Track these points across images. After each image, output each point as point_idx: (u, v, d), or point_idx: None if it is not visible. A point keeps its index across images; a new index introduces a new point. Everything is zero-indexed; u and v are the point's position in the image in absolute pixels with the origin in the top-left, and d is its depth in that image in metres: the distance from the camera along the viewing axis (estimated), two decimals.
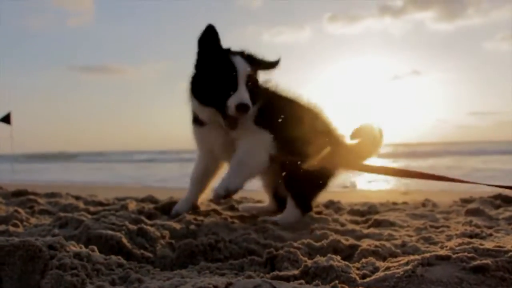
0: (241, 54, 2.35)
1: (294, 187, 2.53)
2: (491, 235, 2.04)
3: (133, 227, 2.03)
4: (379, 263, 1.54)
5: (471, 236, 2.00)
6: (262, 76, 2.47)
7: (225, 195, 2.30)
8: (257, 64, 2.39)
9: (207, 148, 2.61)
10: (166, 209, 2.86)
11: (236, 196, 3.78)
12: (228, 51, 2.34)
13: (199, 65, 2.38)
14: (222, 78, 2.25)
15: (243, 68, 2.26)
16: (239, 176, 2.34)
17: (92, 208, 2.95)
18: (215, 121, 2.38)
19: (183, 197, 2.81)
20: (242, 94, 2.21)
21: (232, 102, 2.20)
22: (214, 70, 2.28)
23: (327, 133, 2.58)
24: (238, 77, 2.23)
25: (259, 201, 3.49)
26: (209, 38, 2.31)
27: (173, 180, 9.16)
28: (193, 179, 2.76)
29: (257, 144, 2.39)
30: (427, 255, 1.41)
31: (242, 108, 2.19)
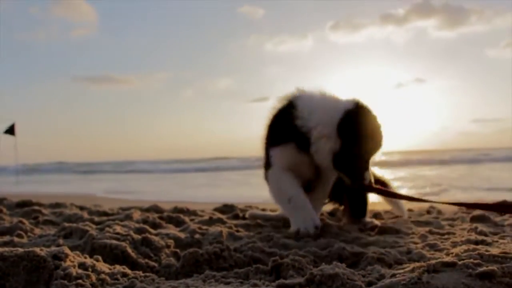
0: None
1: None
2: (496, 241, 2.03)
3: (137, 236, 2.03)
4: (385, 270, 1.53)
5: (476, 243, 1.99)
6: None
7: None
8: None
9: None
10: (171, 218, 2.86)
11: (241, 205, 3.79)
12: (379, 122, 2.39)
13: (352, 135, 2.30)
14: (368, 157, 2.36)
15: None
16: None
17: (96, 218, 2.95)
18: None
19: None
20: (369, 174, 2.39)
21: (367, 179, 2.37)
22: (365, 147, 2.33)
23: None
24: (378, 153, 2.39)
25: (263, 209, 3.48)
26: (368, 117, 2.35)
27: (177, 191, 9.17)
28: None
29: None
30: (433, 261, 1.40)
31: (368, 188, 2.45)
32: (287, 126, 2.40)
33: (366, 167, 2.37)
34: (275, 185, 2.49)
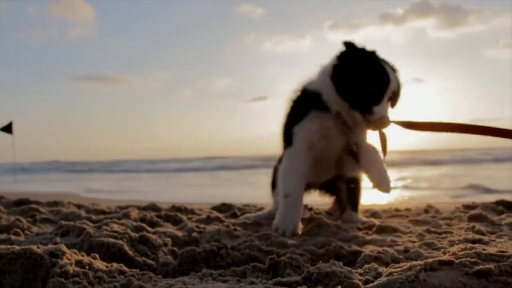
0: (390, 65, 2.41)
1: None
2: (494, 240, 2.03)
3: (135, 234, 2.03)
4: (382, 269, 1.53)
5: (473, 242, 1.99)
6: None
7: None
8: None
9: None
10: (169, 217, 2.86)
11: (239, 204, 3.79)
12: (379, 58, 2.39)
13: (349, 66, 2.37)
14: (374, 86, 2.30)
15: (393, 82, 2.34)
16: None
17: (94, 217, 2.95)
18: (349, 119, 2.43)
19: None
20: (386, 108, 2.33)
21: (377, 112, 2.28)
22: (367, 75, 2.31)
23: None
24: (387, 90, 2.31)
25: (260, 209, 3.48)
26: (355, 46, 2.38)
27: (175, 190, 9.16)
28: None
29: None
30: (430, 260, 1.40)
31: (384, 121, 2.32)
32: (306, 101, 2.49)
33: (376, 100, 2.30)
34: (284, 171, 2.48)
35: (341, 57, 2.40)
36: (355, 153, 2.47)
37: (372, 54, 2.38)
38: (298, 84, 2.62)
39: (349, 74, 2.34)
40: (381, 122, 2.32)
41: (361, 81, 2.30)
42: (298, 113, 2.50)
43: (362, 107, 2.31)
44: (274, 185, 2.95)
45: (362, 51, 2.37)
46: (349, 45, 2.38)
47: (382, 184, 2.31)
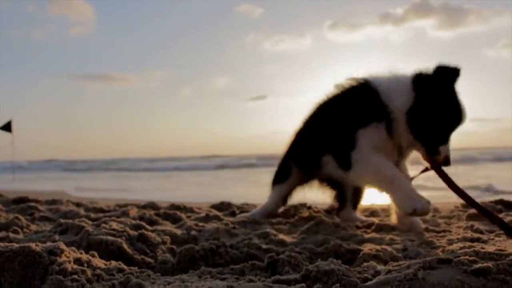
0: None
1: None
2: (492, 239, 2.03)
3: (134, 232, 2.03)
4: (381, 267, 1.53)
5: (472, 240, 2.00)
6: None
7: None
8: None
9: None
10: (168, 215, 2.86)
11: (238, 203, 3.79)
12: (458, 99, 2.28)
13: (431, 99, 2.24)
14: (450, 128, 2.25)
15: (464, 122, 2.28)
16: None
17: (93, 215, 2.95)
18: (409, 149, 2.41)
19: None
20: (449, 145, 2.27)
21: (443, 152, 2.24)
22: (447, 118, 2.24)
23: None
24: (456, 130, 2.27)
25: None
26: (450, 79, 2.28)
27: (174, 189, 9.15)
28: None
29: None
30: (429, 258, 1.40)
31: (447, 162, 2.26)
32: (372, 107, 2.34)
33: (443, 140, 2.25)
34: (372, 166, 2.35)
35: (422, 89, 2.25)
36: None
37: (453, 87, 2.27)
38: (360, 74, 2.49)
39: (427, 116, 2.24)
40: (443, 162, 2.26)
41: (439, 125, 2.24)
42: (362, 115, 2.37)
43: (431, 147, 2.27)
44: (278, 178, 2.95)
45: (446, 83, 2.25)
46: (438, 74, 2.25)
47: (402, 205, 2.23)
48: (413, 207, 2.11)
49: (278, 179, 2.96)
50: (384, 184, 2.29)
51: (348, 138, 2.39)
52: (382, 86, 2.36)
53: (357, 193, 2.90)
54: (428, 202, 2.13)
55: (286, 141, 2.95)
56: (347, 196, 2.91)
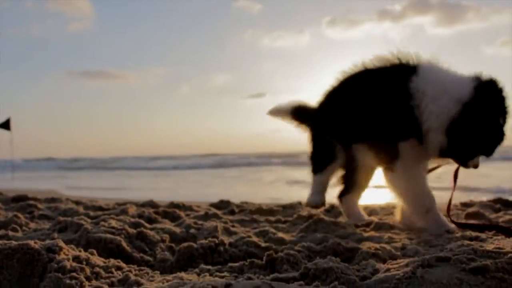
0: None
1: None
2: (491, 237, 2.03)
3: (133, 230, 2.03)
4: (379, 265, 1.53)
5: (471, 239, 1.99)
6: None
7: None
8: None
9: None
10: (167, 213, 2.86)
11: (237, 201, 3.79)
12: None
13: (477, 113, 2.07)
14: (490, 146, 2.18)
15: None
16: None
17: (92, 213, 2.95)
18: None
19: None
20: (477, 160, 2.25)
21: (475, 162, 2.23)
22: (488, 140, 2.17)
23: None
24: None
25: (259, 205, 3.48)
26: (499, 98, 2.14)
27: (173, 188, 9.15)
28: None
29: None
30: (427, 256, 1.41)
31: (476, 167, 2.26)
32: (408, 115, 2.18)
33: (474, 157, 2.21)
34: (413, 186, 2.34)
35: (467, 111, 2.07)
36: None
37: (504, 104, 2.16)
38: (401, 56, 2.32)
39: (467, 138, 2.12)
40: (472, 167, 2.26)
41: (479, 146, 2.17)
42: (404, 124, 2.23)
43: (464, 161, 2.25)
44: (316, 168, 2.71)
45: (494, 104, 2.11)
46: (487, 91, 2.10)
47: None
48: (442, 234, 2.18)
49: (316, 168, 2.72)
50: (418, 208, 2.36)
51: (388, 143, 2.31)
52: (421, 90, 2.17)
53: (365, 181, 2.78)
54: (455, 229, 2.24)
55: (319, 114, 2.68)
56: (356, 180, 2.75)
